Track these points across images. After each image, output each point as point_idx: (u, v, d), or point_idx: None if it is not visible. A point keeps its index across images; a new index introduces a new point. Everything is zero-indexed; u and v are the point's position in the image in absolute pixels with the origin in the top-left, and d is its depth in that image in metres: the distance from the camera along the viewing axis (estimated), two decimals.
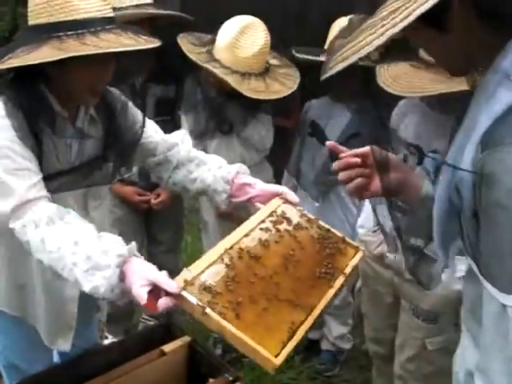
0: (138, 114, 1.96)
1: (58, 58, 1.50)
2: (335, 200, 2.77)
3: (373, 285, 2.43)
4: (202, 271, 1.45)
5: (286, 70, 2.64)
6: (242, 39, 2.50)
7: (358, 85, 2.57)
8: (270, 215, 1.70)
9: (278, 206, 1.76)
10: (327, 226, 1.76)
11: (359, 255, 1.69)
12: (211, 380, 1.89)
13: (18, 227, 1.55)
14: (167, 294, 1.38)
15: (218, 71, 2.46)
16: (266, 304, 1.42)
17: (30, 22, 1.64)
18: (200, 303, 1.36)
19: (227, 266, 1.49)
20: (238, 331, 1.33)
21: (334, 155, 1.59)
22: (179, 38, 2.63)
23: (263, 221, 1.67)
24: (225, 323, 1.34)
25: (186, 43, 2.59)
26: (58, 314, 1.94)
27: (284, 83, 2.55)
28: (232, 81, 2.44)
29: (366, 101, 2.66)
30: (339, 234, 1.74)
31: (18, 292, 1.88)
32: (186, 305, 1.38)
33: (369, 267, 2.42)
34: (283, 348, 1.34)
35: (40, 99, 1.69)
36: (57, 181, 1.71)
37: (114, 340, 3.00)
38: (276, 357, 1.31)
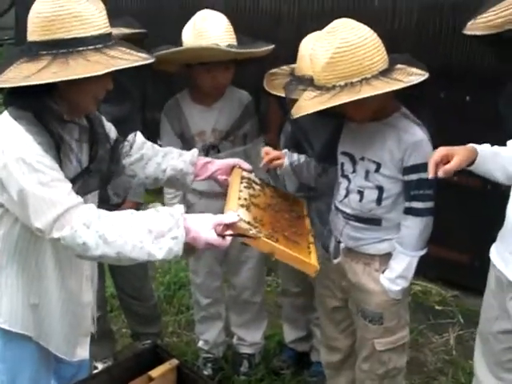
0: (108, 124, 2.06)
1: (103, 72, 1.60)
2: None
3: (323, 290, 2.46)
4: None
5: None
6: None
7: None
8: (242, 180, 2.15)
9: (241, 173, 2.20)
10: (276, 186, 2.36)
11: (304, 205, 2.29)
12: None
13: (68, 233, 1.64)
14: (228, 227, 1.76)
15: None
16: (284, 234, 1.91)
17: (43, 38, 1.66)
18: (255, 231, 1.80)
19: (247, 209, 1.93)
20: (286, 248, 1.82)
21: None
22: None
23: (241, 182, 2.12)
24: (276, 244, 1.81)
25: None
26: (76, 323, 2.00)
27: None
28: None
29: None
30: (286, 191, 2.37)
31: (32, 311, 1.90)
32: (242, 233, 1.79)
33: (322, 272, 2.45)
34: (311, 259, 1.88)
35: (52, 111, 1.74)
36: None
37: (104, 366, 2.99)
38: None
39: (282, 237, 1.88)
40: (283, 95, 2.43)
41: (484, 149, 1.93)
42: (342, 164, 2.24)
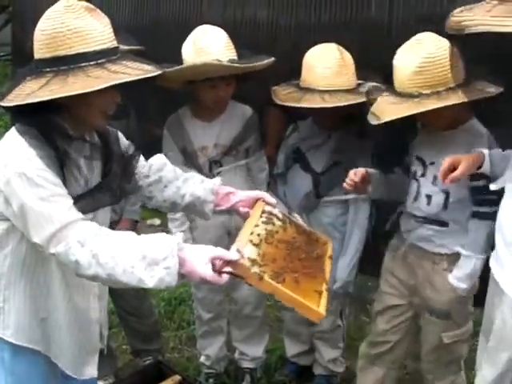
0: (127, 141, 2.03)
1: (100, 87, 1.58)
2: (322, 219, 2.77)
3: (389, 288, 2.56)
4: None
5: None
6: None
7: (342, 113, 2.56)
8: (262, 214, 2.03)
9: (264, 207, 2.07)
10: (299, 222, 2.15)
11: (330, 245, 2.11)
12: None
13: (63, 250, 1.61)
14: (227, 264, 1.64)
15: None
16: (294, 275, 1.78)
17: (46, 55, 1.66)
18: (258, 270, 1.68)
19: (256, 246, 1.82)
20: (289, 291, 1.69)
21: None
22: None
23: (261, 216, 2.01)
24: (278, 286, 1.69)
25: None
26: (84, 339, 1.96)
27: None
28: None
29: (348, 128, 2.65)
30: (309, 228, 2.18)
31: (41, 325, 1.87)
32: (243, 272, 1.67)
33: (388, 271, 2.57)
34: (319, 305, 1.72)
35: (57, 127, 1.72)
36: (76, 205, 1.73)
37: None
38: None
39: (290, 278, 1.77)
40: (293, 105, 2.49)
41: (493, 152, 2.07)
42: (414, 168, 2.38)
